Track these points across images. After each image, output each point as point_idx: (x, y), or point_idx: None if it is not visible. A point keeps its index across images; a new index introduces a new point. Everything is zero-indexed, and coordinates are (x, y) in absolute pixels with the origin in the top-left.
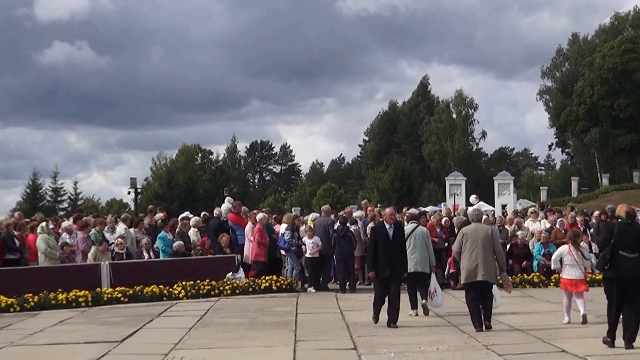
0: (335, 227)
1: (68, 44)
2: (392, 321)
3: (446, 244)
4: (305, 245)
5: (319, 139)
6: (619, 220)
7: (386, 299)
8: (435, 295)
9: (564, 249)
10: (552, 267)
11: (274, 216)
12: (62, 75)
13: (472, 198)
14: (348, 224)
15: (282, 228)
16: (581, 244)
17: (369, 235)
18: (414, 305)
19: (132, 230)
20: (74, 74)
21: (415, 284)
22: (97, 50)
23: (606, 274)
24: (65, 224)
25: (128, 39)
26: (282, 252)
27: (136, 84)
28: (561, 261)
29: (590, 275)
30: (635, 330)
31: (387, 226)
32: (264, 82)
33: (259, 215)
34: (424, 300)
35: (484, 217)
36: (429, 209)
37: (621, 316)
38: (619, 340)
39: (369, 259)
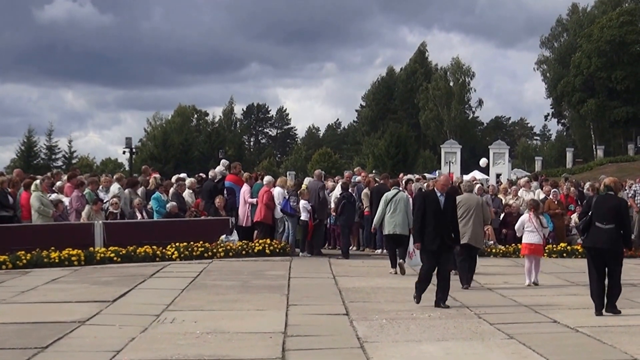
0: (340, 194)
1: (70, 0)
2: (442, 300)
3: None
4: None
5: (316, 103)
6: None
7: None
8: (414, 255)
9: (525, 217)
10: (517, 234)
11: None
12: (62, 32)
13: (483, 161)
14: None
15: (276, 191)
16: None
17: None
18: (393, 264)
19: (126, 190)
20: (74, 31)
21: (395, 245)
22: (99, 8)
23: (583, 243)
24: (60, 183)
25: None
26: (277, 216)
27: (136, 43)
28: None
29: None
30: (613, 300)
31: (439, 194)
32: (264, 45)
33: (267, 178)
34: (401, 260)
35: (478, 186)
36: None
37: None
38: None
39: (416, 229)
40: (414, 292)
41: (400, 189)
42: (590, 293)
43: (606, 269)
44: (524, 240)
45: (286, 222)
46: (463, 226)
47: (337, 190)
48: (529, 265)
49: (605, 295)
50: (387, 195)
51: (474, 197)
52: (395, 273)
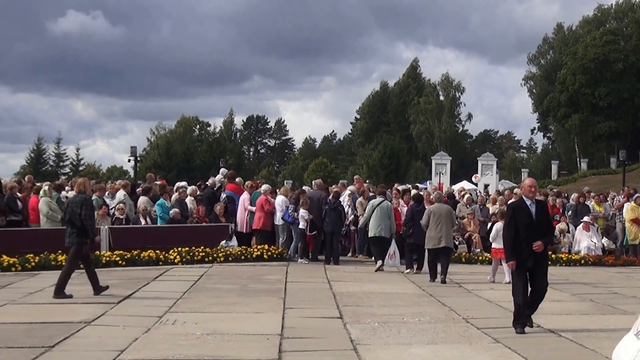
0: (328, 201)
1: (83, 13)
2: (530, 317)
3: None
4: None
5: (314, 115)
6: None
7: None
8: (393, 257)
9: (499, 225)
10: (491, 240)
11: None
12: (73, 44)
13: (475, 178)
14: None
15: (279, 199)
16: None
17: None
18: (379, 259)
19: (142, 197)
20: (84, 44)
21: (378, 246)
22: (111, 21)
23: None
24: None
25: (140, 10)
26: (278, 222)
27: (144, 56)
28: None
29: None
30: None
31: (528, 202)
32: (266, 59)
33: (264, 187)
34: (380, 262)
35: (467, 196)
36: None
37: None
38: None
39: (507, 245)
40: (515, 321)
41: (385, 198)
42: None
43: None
44: (494, 245)
45: (292, 230)
46: (438, 231)
47: (345, 198)
48: (495, 266)
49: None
50: (374, 202)
51: (444, 206)
52: (379, 270)
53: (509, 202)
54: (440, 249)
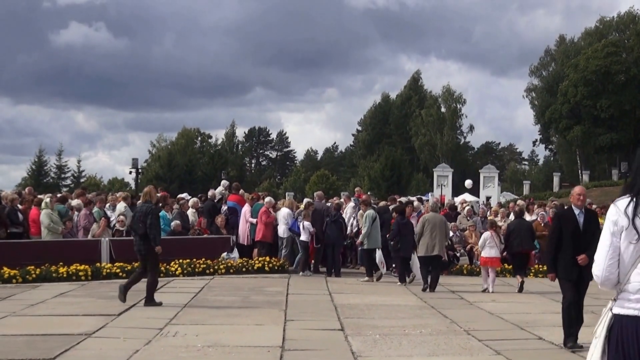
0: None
1: (86, 25)
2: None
3: None
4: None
5: (316, 127)
6: None
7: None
8: (383, 265)
9: (487, 234)
10: (479, 249)
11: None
12: (75, 56)
13: (468, 182)
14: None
15: (283, 211)
16: None
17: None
18: (369, 273)
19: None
20: (86, 55)
21: (370, 257)
22: (114, 33)
23: None
24: (75, 202)
25: (143, 22)
26: (282, 235)
27: (147, 67)
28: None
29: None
30: None
31: (577, 212)
32: (269, 71)
33: (267, 199)
34: (365, 278)
35: (467, 208)
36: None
37: None
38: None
39: (549, 256)
40: (565, 338)
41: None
42: None
43: None
44: (483, 254)
45: (296, 242)
46: (432, 240)
47: (349, 210)
48: (486, 274)
49: None
50: (367, 215)
51: (438, 216)
52: (370, 281)
53: (555, 209)
54: (432, 257)
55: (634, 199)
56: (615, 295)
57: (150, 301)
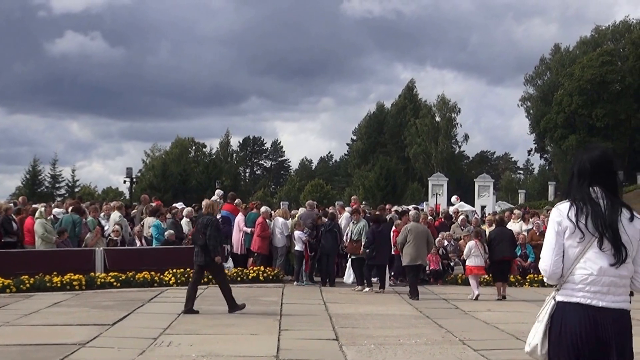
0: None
1: (81, 34)
2: None
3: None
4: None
5: (311, 136)
6: None
7: None
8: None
9: (472, 244)
10: (465, 257)
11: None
12: (70, 65)
13: (454, 199)
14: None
15: (277, 220)
16: None
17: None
18: (360, 282)
19: (149, 218)
20: (81, 65)
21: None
22: (110, 42)
23: None
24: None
25: (138, 32)
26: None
27: (142, 77)
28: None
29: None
30: None
31: None
32: (264, 80)
33: (263, 209)
34: (359, 287)
35: (461, 217)
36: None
37: None
38: None
39: None
40: None
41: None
42: None
43: None
44: (468, 263)
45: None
46: (416, 249)
47: (344, 220)
48: (474, 282)
49: None
50: (359, 226)
51: (421, 226)
52: (363, 290)
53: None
54: (417, 266)
55: (574, 205)
56: (559, 286)
57: (233, 307)
